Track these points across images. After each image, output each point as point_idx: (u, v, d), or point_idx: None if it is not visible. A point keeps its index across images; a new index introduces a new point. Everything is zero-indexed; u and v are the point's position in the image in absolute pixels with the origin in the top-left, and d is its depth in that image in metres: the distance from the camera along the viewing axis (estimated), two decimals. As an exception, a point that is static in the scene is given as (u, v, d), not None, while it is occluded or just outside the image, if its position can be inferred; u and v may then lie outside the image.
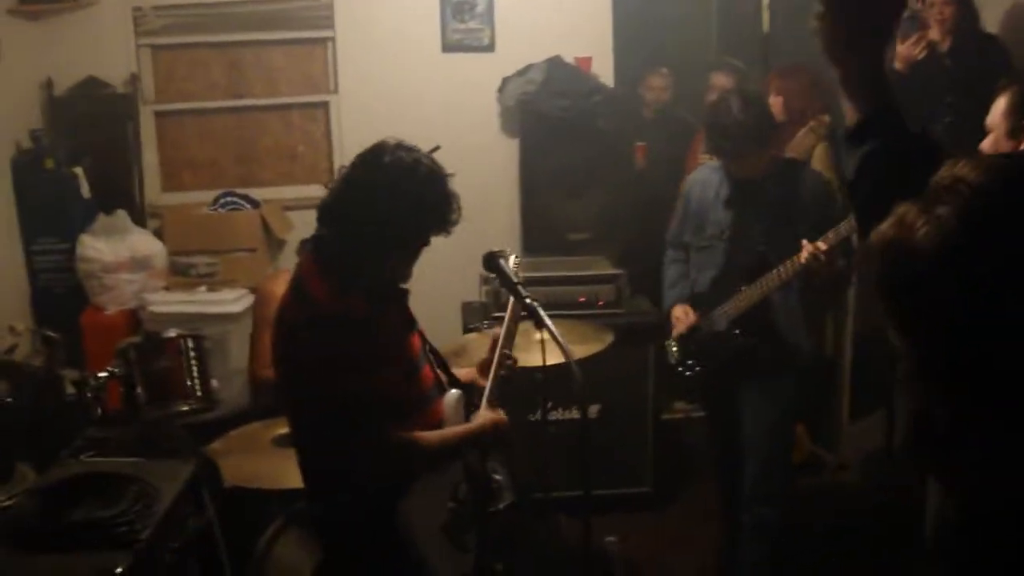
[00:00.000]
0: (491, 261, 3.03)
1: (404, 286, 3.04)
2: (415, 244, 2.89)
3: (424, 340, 3.13)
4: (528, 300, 2.89)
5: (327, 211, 2.88)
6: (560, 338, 2.80)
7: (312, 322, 2.78)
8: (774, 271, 4.03)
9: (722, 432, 4.55)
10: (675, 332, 4.40)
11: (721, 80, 6.18)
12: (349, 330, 2.77)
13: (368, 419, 2.76)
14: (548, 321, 2.85)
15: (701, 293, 4.35)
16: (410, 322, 3.06)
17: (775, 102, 5.23)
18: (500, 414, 3.01)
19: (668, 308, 4.50)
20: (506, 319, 3.15)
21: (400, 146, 2.85)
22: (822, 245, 3.84)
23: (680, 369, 4.47)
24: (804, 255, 3.89)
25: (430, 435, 2.92)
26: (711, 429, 4.76)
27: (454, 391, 3.09)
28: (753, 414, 4.30)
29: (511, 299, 3.12)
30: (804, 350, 4.24)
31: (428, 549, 2.92)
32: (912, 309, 1.22)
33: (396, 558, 2.87)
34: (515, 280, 2.97)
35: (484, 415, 2.98)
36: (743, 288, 4.15)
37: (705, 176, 4.40)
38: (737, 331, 4.20)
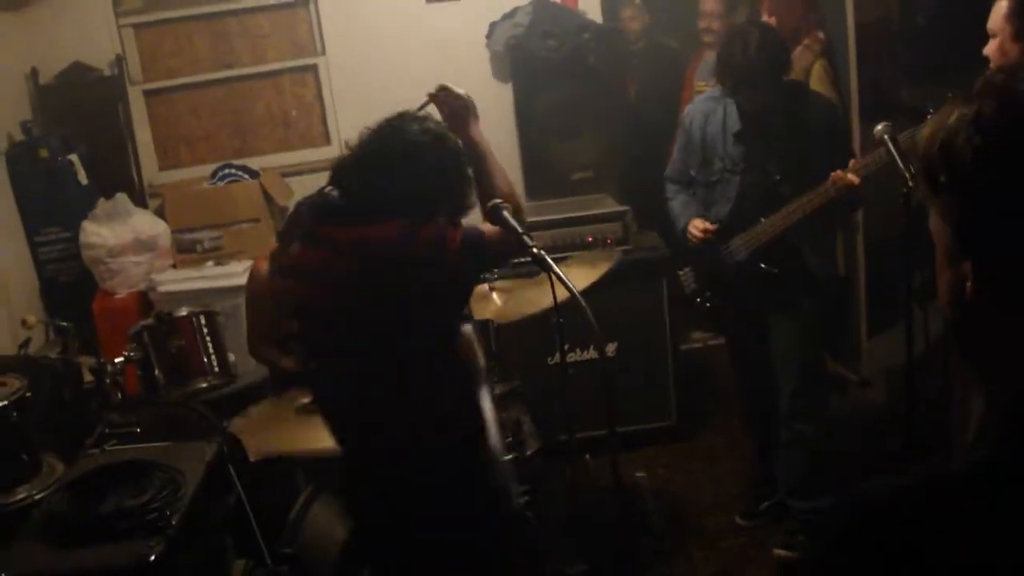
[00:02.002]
0: (494, 213, 3.00)
1: None
2: (427, 215, 2.88)
3: None
4: (535, 249, 2.86)
5: (344, 172, 2.93)
6: (570, 283, 2.79)
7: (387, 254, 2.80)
8: (799, 200, 3.98)
9: (747, 358, 4.56)
10: (696, 241, 4.31)
11: (710, 5, 6.10)
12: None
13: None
14: (557, 268, 2.84)
15: (716, 224, 4.31)
16: None
17: (769, 22, 5.16)
18: None
19: (683, 227, 4.41)
20: None
21: (426, 118, 2.96)
22: (854, 178, 3.79)
23: (698, 300, 4.45)
24: (834, 185, 3.83)
25: None
26: (734, 355, 4.77)
27: (467, 326, 3.14)
28: (782, 338, 4.32)
29: None
30: (824, 270, 4.23)
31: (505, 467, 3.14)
32: (940, 181, 1.27)
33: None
34: (520, 230, 2.94)
35: None
36: (763, 220, 4.11)
37: (707, 108, 4.32)
38: (763, 264, 4.16)
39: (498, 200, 3.02)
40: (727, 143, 4.21)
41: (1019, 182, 1.19)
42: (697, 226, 4.28)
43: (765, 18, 5.29)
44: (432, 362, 2.88)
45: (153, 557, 2.83)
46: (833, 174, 3.83)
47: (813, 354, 4.40)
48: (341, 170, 2.96)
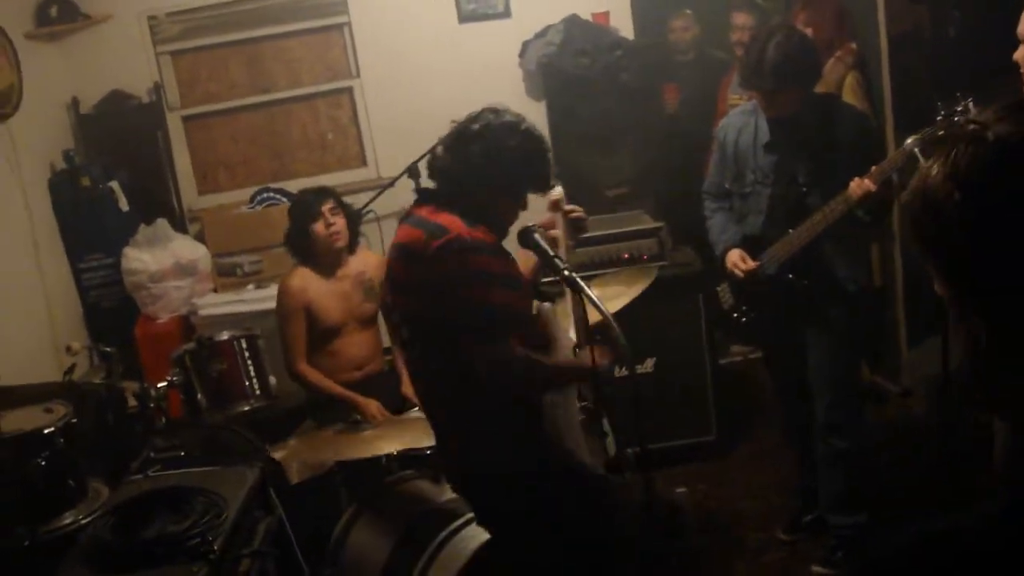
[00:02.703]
0: (525, 237, 3.04)
1: None
2: (519, 191, 3.18)
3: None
4: (567, 272, 2.89)
5: (439, 165, 3.17)
6: (602, 305, 2.80)
7: (451, 244, 2.96)
8: (821, 210, 3.97)
9: (783, 371, 4.54)
10: (737, 276, 4.31)
11: (742, 19, 6.10)
12: (485, 250, 3.00)
13: (502, 332, 2.97)
14: (588, 290, 2.85)
15: (749, 237, 4.30)
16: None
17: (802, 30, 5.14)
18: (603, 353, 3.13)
19: (721, 254, 4.40)
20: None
21: (503, 109, 3.17)
22: (871, 185, 3.78)
23: (735, 315, 4.44)
24: (854, 193, 3.83)
25: (545, 359, 3.14)
26: (771, 369, 4.75)
27: (546, 303, 3.31)
28: (815, 350, 4.29)
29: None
30: (854, 281, 4.20)
31: (574, 446, 3.18)
32: (929, 239, 1.21)
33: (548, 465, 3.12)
34: (551, 253, 2.97)
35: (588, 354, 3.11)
36: (790, 231, 4.10)
37: (740, 121, 4.32)
38: (791, 275, 4.15)
39: (531, 223, 3.08)
40: (757, 155, 4.21)
41: (1008, 235, 1.13)
42: (738, 266, 4.26)
43: (799, 30, 5.29)
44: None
45: (197, 582, 2.87)
46: (852, 182, 3.82)
47: (846, 367, 4.36)
48: (435, 163, 3.21)
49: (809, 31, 5.21)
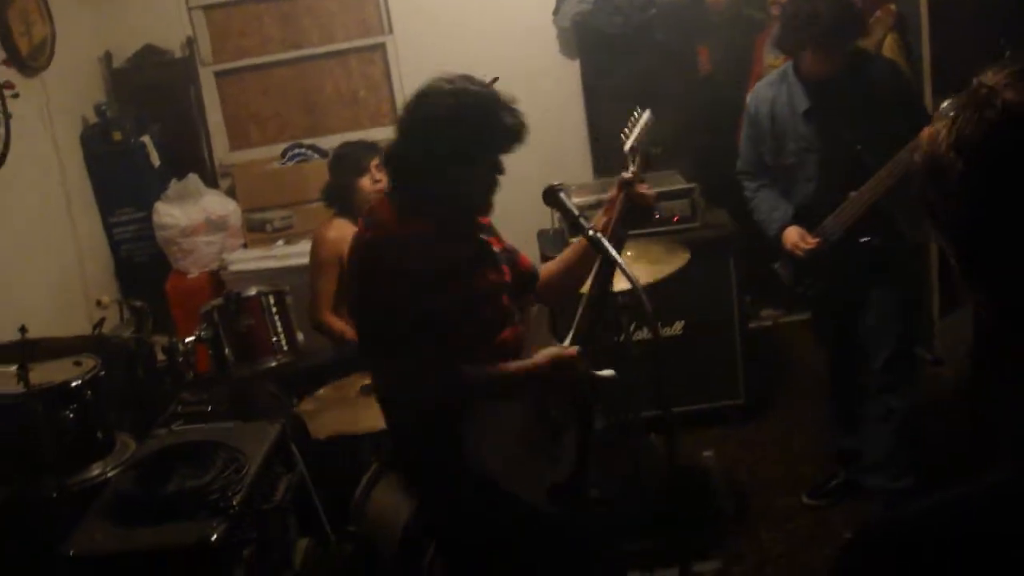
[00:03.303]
0: (551, 196, 2.98)
1: (485, 221, 3.06)
2: (472, 155, 2.85)
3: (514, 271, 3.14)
4: (591, 233, 2.84)
5: (388, 156, 2.99)
6: (627, 269, 2.75)
7: (374, 242, 2.87)
8: (884, 168, 3.87)
9: (839, 330, 4.47)
10: (799, 255, 4.24)
11: (781, -22, 6.00)
12: (406, 250, 2.81)
13: (421, 339, 2.76)
14: (614, 252, 2.80)
15: (803, 206, 4.23)
16: (483, 257, 3.02)
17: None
18: (562, 349, 2.91)
19: (776, 233, 4.30)
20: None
21: (439, 77, 2.88)
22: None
23: (799, 289, 4.37)
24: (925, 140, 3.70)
25: (484, 368, 2.88)
26: (821, 330, 4.68)
27: (535, 307, 3.18)
28: (878, 307, 4.22)
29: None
30: (916, 233, 4.14)
31: (508, 467, 2.89)
32: (934, 208, 1.14)
33: (468, 478, 2.86)
34: (576, 213, 2.92)
35: (543, 352, 2.90)
36: (851, 194, 4.02)
37: (770, 92, 4.22)
38: (865, 238, 4.07)
39: (556, 182, 3.02)
40: (797, 122, 4.13)
41: (1011, 211, 1.05)
42: (799, 245, 4.19)
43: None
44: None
45: (215, 537, 2.88)
46: (924, 130, 3.71)
47: (909, 324, 4.30)
48: (386, 155, 3.03)
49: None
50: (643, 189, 3.08)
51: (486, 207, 2.98)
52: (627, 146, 3.09)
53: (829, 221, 4.10)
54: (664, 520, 4.01)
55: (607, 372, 2.95)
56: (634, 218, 3.07)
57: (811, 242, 4.16)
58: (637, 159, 3.08)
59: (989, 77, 1.10)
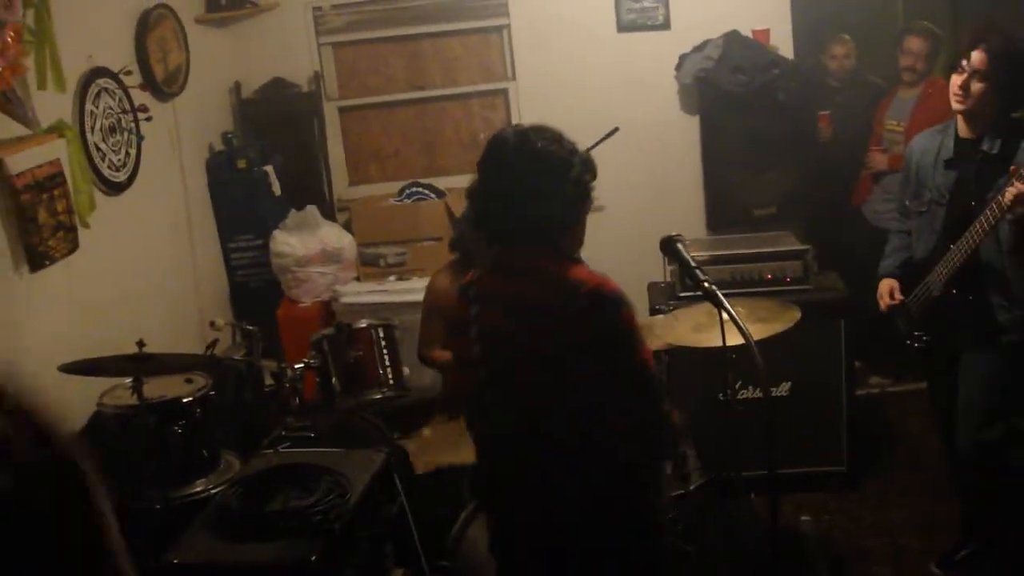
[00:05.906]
0: (668, 246, 3.00)
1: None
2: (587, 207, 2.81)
3: None
4: (706, 284, 2.84)
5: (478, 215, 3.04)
6: (740, 322, 2.75)
7: (615, 297, 2.65)
8: (979, 220, 3.79)
9: (946, 396, 4.36)
10: (883, 307, 4.24)
11: (916, 44, 5.94)
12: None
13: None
14: (727, 305, 2.80)
15: (922, 259, 4.18)
16: None
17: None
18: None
19: (879, 278, 4.36)
20: None
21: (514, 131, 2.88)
22: (1020, 184, 3.58)
23: (908, 342, 4.31)
24: (1008, 197, 3.59)
25: None
26: (936, 393, 4.56)
27: None
28: (967, 375, 4.11)
29: None
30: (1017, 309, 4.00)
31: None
32: None
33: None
34: (693, 264, 2.92)
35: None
36: (951, 246, 3.96)
37: (926, 141, 4.21)
38: (954, 291, 4.01)
39: (674, 233, 3.02)
40: (937, 172, 4.09)
41: None
42: (883, 298, 4.18)
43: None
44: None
45: (314, 557, 2.92)
46: (1008, 187, 3.62)
47: (996, 397, 4.12)
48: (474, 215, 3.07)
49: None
50: None
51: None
52: None
53: (932, 275, 4.05)
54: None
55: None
56: None
57: (887, 300, 4.16)
58: None
59: None
